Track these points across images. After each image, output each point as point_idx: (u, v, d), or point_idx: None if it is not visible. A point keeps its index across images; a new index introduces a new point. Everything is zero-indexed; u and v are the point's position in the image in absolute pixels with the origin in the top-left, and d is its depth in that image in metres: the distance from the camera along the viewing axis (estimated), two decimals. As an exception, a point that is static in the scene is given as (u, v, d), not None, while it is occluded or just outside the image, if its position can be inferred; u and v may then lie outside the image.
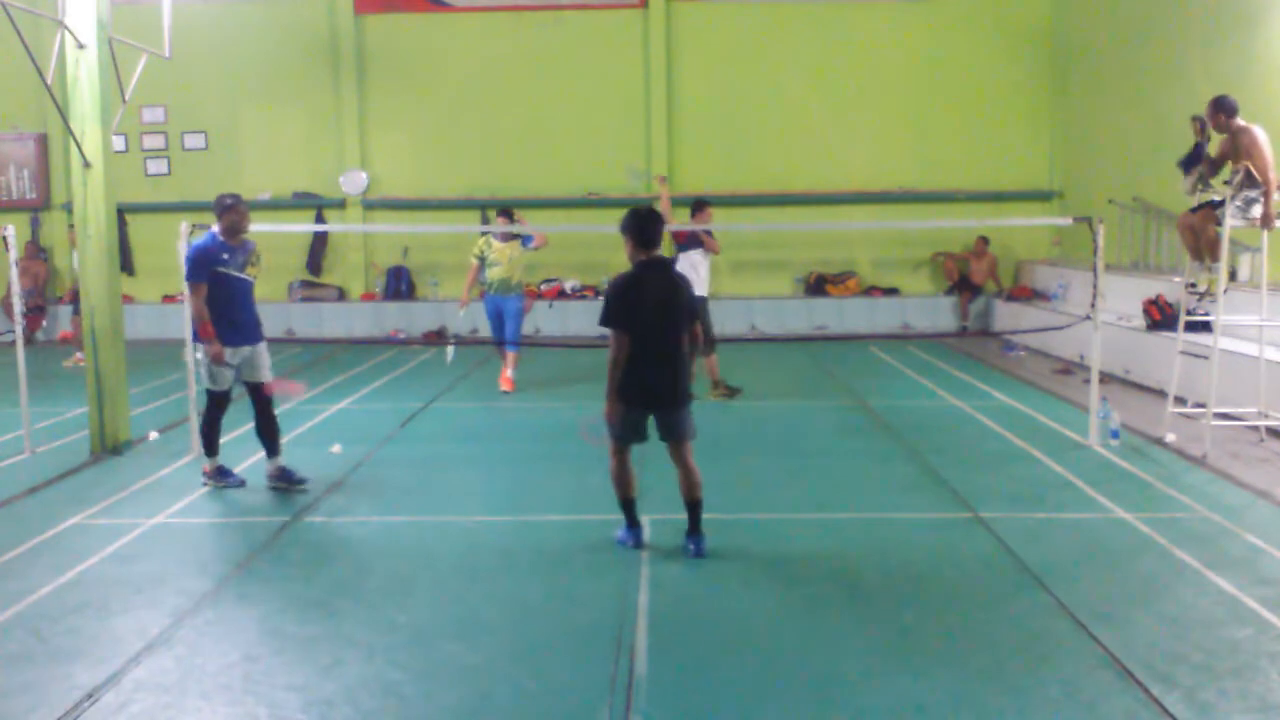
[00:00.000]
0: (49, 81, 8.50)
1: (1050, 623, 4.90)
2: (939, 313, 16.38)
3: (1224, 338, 8.42)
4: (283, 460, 7.44)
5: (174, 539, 6.33)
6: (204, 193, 16.67)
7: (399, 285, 16.91)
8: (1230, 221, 8.12)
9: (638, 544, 6.03)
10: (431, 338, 15.71)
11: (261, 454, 7.56)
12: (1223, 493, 7.01)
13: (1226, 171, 8.33)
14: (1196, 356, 8.49)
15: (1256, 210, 8.09)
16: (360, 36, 16.85)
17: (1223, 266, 8.20)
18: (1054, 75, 16.65)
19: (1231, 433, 8.44)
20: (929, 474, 7.64)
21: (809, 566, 5.77)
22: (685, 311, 5.85)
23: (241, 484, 7.39)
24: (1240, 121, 8.18)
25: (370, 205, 16.99)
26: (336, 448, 8.46)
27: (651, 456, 8.28)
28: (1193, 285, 8.64)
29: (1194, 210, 8.60)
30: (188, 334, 8.55)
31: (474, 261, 11.26)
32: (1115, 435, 8.37)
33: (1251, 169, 7.99)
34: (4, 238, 8.74)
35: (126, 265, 16.21)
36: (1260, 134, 8.09)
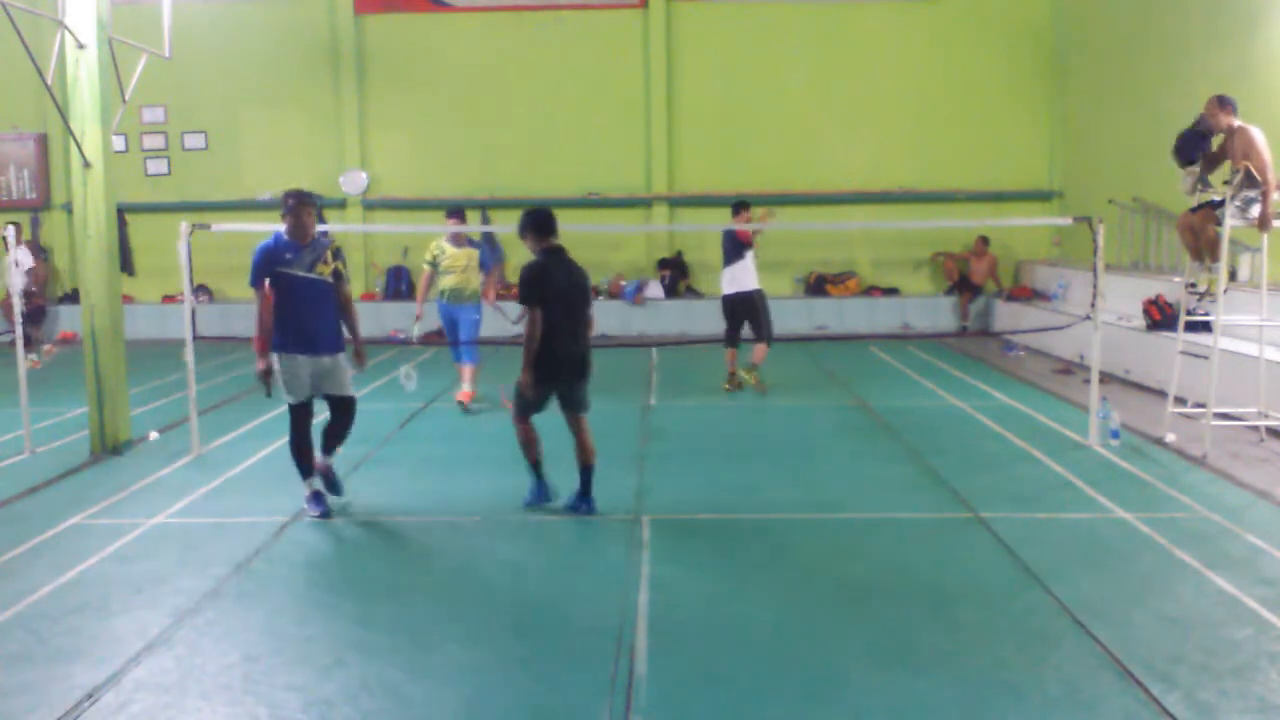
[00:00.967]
0: (49, 81, 8.50)
1: (1050, 623, 4.90)
2: (939, 313, 16.38)
3: (1224, 338, 8.42)
4: (333, 461, 6.90)
5: (174, 539, 6.33)
6: (204, 193, 16.81)
7: (399, 285, 16.91)
8: (1230, 221, 8.12)
9: (548, 499, 6.78)
10: (431, 338, 15.69)
11: (261, 457, 7.55)
12: (1223, 493, 7.01)
13: (1226, 171, 8.33)
14: (1196, 356, 8.49)
15: (1256, 210, 8.09)
16: (360, 36, 16.85)
17: (1223, 266, 8.20)
18: (1054, 75, 16.66)
19: (1231, 433, 8.44)
20: (929, 474, 7.64)
21: (809, 566, 5.77)
22: (584, 295, 6.73)
23: (325, 516, 6.63)
24: (1237, 121, 8.19)
25: (370, 205, 16.99)
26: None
27: (651, 457, 8.30)
28: (1193, 285, 8.64)
29: (1194, 210, 8.60)
30: (188, 335, 8.58)
31: (426, 268, 10.57)
32: (1115, 435, 8.37)
33: (1251, 169, 7.99)
34: (4, 238, 8.74)
35: (126, 265, 16.18)
36: (1257, 134, 8.09)
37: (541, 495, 6.81)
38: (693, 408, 10.49)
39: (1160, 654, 4.51)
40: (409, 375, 10.27)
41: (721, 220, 16.50)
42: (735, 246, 11.00)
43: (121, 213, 14.76)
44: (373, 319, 16.50)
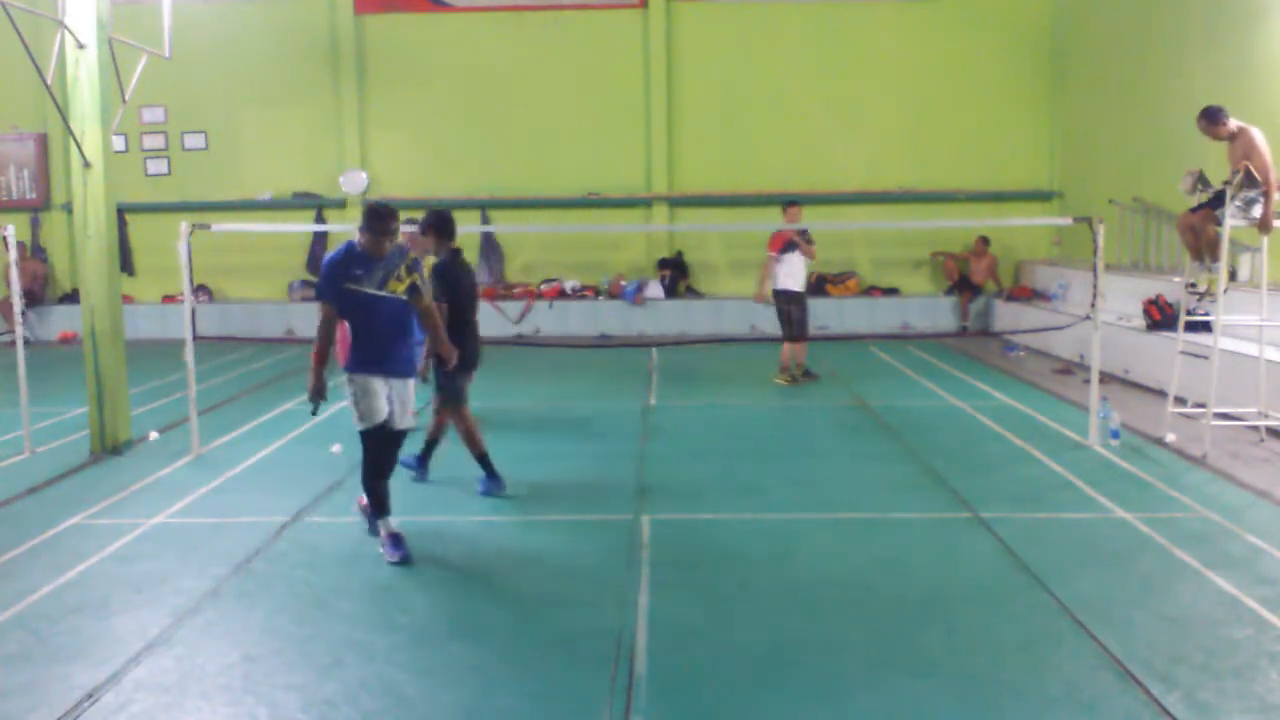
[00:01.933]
0: (49, 81, 8.51)
1: (1050, 623, 4.90)
2: (939, 313, 16.38)
3: (1224, 338, 8.42)
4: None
5: (174, 539, 6.32)
6: (204, 193, 16.80)
7: (399, 285, 16.88)
8: (1230, 221, 8.12)
9: (502, 488, 7.09)
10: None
11: (261, 457, 7.55)
12: (1223, 493, 7.01)
13: (1226, 171, 8.34)
14: (1196, 356, 8.49)
15: (1256, 210, 8.10)
16: (360, 36, 16.85)
17: (1223, 266, 8.20)
18: (1054, 75, 16.66)
19: (1231, 433, 8.44)
20: (929, 474, 7.64)
21: (809, 567, 5.77)
22: (476, 294, 7.37)
23: (406, 561, 5.82)
24: (1236, 124, 8.19)
25: (370, 205, 16.96)
26: (336, 447, 8.45)
27: (651, 457, 8.30)
28: (1193, 285, 8.64)
29: (1194, 210, 8.60)
30: (188, 335, 8.57)
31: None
32: (1115, 435, 8.37)
33: (1251, 169, 8.00)
34: (3, 238, 8.74)
35: (126, 265, 16.22)
36: (1258, 135, 8.10)
37: (495, 485, 7.14)
38: (693, 408, 10.49)
39: (1160, 654, 4.51)
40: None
41: (721, 220, 16.63)
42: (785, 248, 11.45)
43: (121, 213, 14.79)
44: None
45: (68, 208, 15.54)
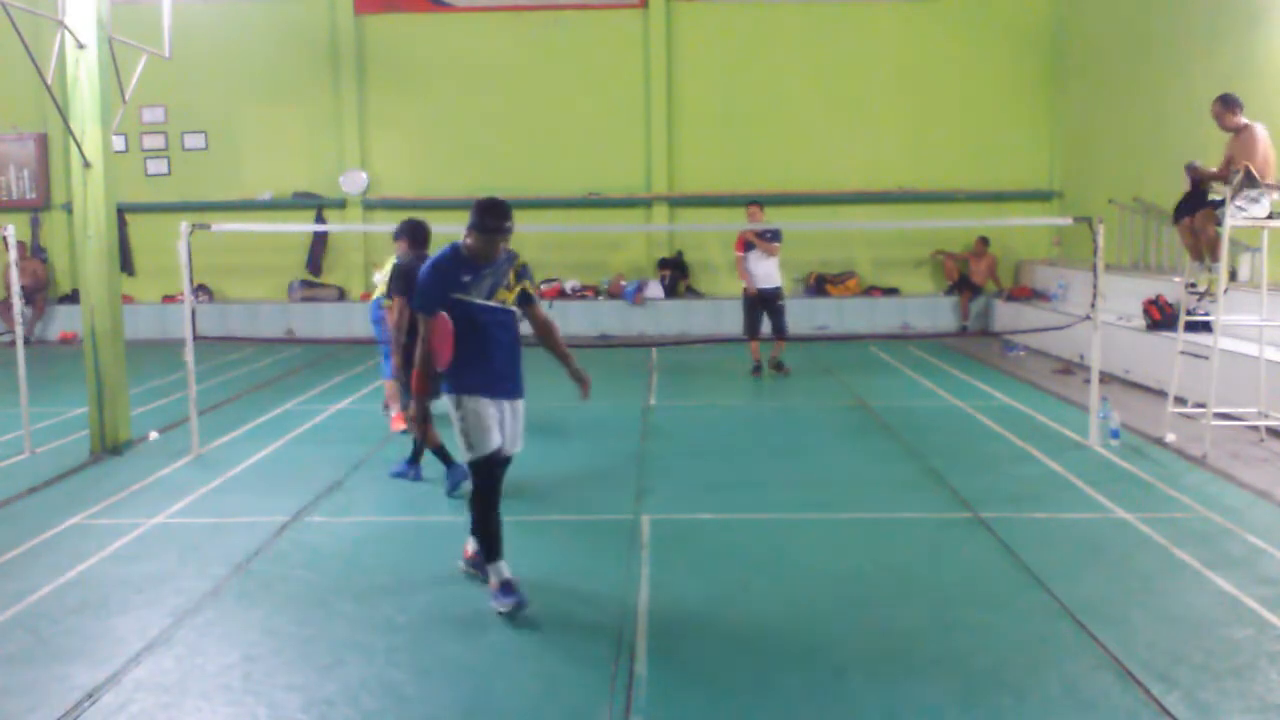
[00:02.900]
0: (49, 81, 8.51)
1: (1050, 623, 4.90)
2: (939, 313, 16.39)
3: (1224, 338, 8.42)
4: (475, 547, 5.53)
5: (174, 539, 6.32)
6: (204, 193, 16.81)
7: (399, 285, 16.89)
8: (1230, 221, 8.12)
9: (417, 479, 7.41)
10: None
11: (261, 457, 7.54)
12: (1223, 493, 7.01)
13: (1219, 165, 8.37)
14: (1196, 356, 8.49)
15: (1257, 210, 8.11)
16: (360, 36, 16.85)
17: (1223, 266, 8.20)
18: (1054, 75, 16.66)
19: (1231, 433, 8.44)
20: (929, 474, 7.64)
21: (809, 567, 5.77)
22: None
23: (521, 606, 5.11)
24: (1242, 120, 8.20)
25: (370, 205, 16.99)
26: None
27: (651, 457, 8.30)
28: (1193, 285, 8.65)
29: (1194, 210, 8.61)
30: (188, 335, 8.55)
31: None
32: (1115, 435, 8.37)
33: (1251, 169, 8.00)
34: (3, 238, 8.74)
35: (126, 265, 16.22)
36: (1261, 132, 8.11)
37: (415, 473, 7.47)
38: (693, 408, 10.49)
39: (1160, 654, 4.51)
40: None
41: (722, 220, 16.61)
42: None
43: (121, 213, 14.80)
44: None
45: (68, 208, 15.54)
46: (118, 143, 9.97)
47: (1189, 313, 8.70)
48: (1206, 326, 8.65)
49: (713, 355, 13.88)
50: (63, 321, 16.53)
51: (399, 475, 7.57)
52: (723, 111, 16.87)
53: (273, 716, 4.08)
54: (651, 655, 4.58)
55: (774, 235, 11.99)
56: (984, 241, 16.31)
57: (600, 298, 16.63)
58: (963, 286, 16.31)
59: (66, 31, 8.26)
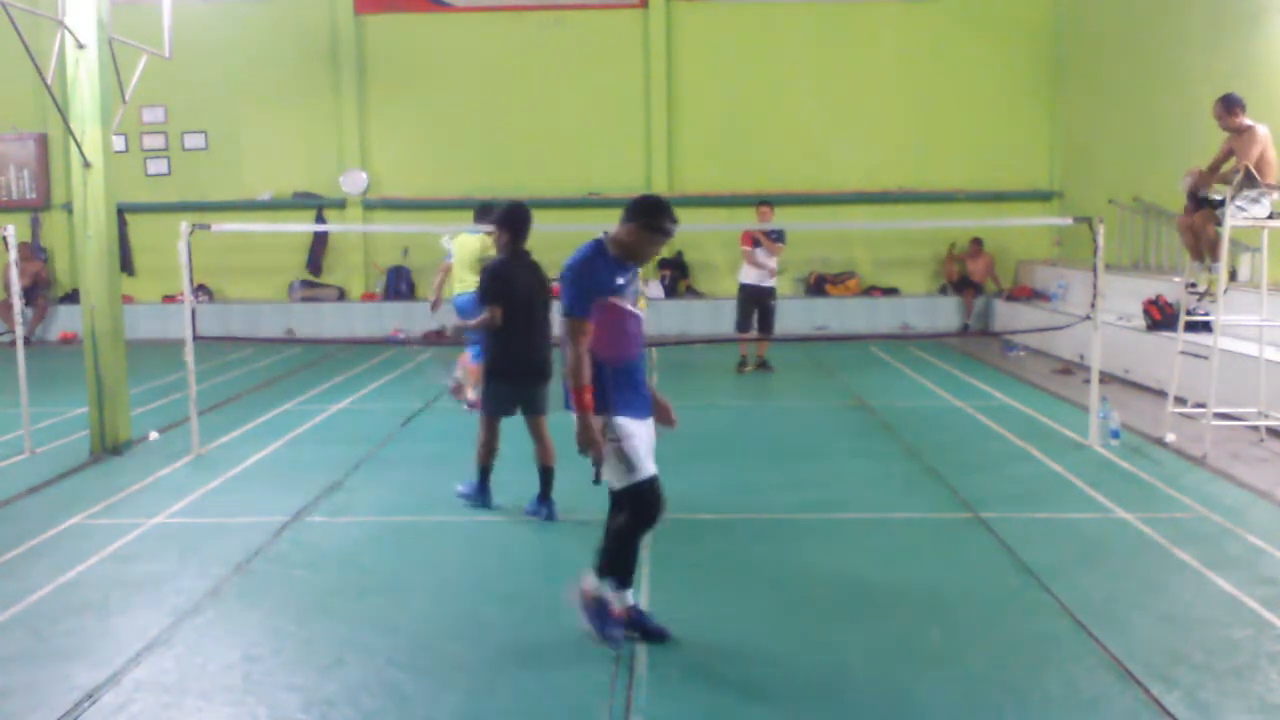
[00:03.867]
0: (49, 81, 8.50)
1: (1050, 623, 4.90)
2: (939, 313, 16.38)
3: (1224, 338, 8.42)
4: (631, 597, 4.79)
5: (174, 539, 6.32)
6: (204, 193, 16.81)
7: (399, 285, 16.92)
8: (1230, 221, 8.12)
9: (485, 505, 6.77)
10: (431, 338, 15.72)
11: (261, 457, 7.53)
12: (1223, 493, 7.01)
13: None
14: (1196, 356, 8.49)
15: (1257, 210, 8.10)
16: (360, 36, 16.85)
17: (1223, 266, 8.20)
18: (1054, 75, 16.65)
19: (1231, 433, 8.44)
20: (929, 474, 7.64)
21: (809, 567, 5.76)
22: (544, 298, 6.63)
23: (664, 636, 4.72)
24: (1247, 121, 8.20)
25: (370, 205, 16.99)
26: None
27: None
28: (1193, 285, 8.65)
29: (1194, 210, 8.61)
30: (188, 335, 8.56)
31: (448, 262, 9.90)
32: (1115, 435, 8.37)
33: (1251, 169, 8.01)
34: (3, 238, 8.74)
35: (126, 265, 16.22)
36: (1262, 133, 8.11)
37: (479, 498, 6.85)
38: (692, 408, 10.47)
39: (1160, 654, 4.51)
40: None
41: (722, 220, 16.60)
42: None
43: (121, 213, 14.79)
44: (373, 319, 16.53)
45: (68, 208, 15.53)
46: (118, 143, 9.97)
47: (1189, 313, 8.70)
48: (1206, 326, 8.65)
49: (713, 355, 13.87)
50: (63, 321, 16.53)
51: (531, 514, 6.66)
52: (723, 111, 16.87)
53: (273, 716, 4.08)
54: (651, 655, 4.57)
55: (778, 236, 12.32)
56: (977, 243, 16.32)
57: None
58: (963, 286, 16.31)
59: (66, 31, 8.26)
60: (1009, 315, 15.44)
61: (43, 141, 16.97)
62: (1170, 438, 8.39)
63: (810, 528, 6.48)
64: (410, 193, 16.92)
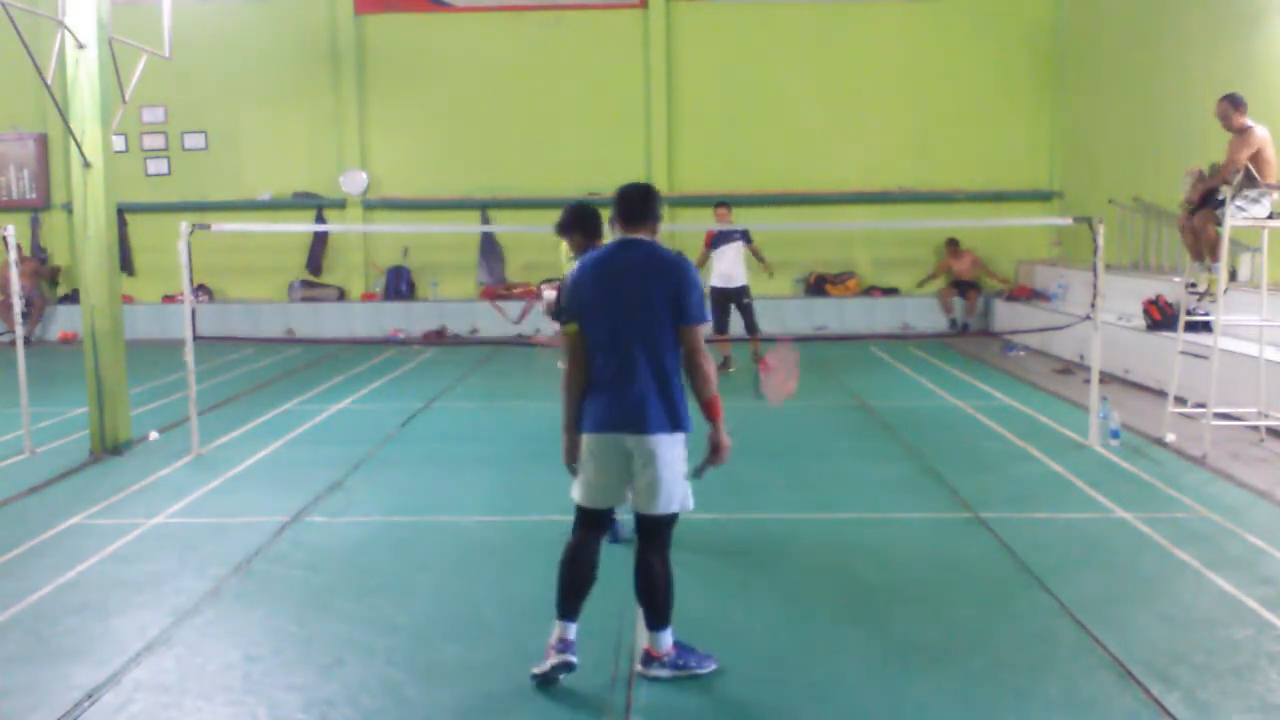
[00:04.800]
0: (49, 81, 8.50)
1: (1050, 623, 4.90)
2: (939, 313, 16.38)
3: (1224, 338, 8.42)
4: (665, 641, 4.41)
5: (174, 539, 6.32)
6: (204, 193, 16.81)
7: (399, 285, 16.92)
8: (1230, 221, 8.12)
9: (614, 539, 5.80)
10: (431, 338, 15.73)
11: (261, 457, 7.52)
12: (1223, 493, 7.01)
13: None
14: (1196, 356, 8.49)
15: (1257, 210, 8.11)
16: (360, 36, 16.85)
17: (1223, 266, 8.20)
18: (1054, 75, 16.65)
19: (1231, 433, 8.44)
20: (929, 474, 7.64)
21: (809, 567, 5.77)
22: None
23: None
24: (1249, 121, 8.20)
25: (370, 205, 16.99)
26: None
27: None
28: (1193, 285, 8.65)
29: (1194, 211, 8.61)
30: (188, 335, 8.56)
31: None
32: (1115, 435, 8.37)
33: (1251, 169, 8.01)
34: (3, 238, 8.74)
35: (126, 265, 16.22)
36: (1262, 133, 8.11)
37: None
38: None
39: (1160, 654, 4.51)
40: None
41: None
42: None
43: (121, 213, 14.78)
44: (373, 319, 16.53)
45: (68, 208, 15.53)
46: (118, 143, 9.97)
47: (1189, 313, 8.70)
48: (1206, 326, 8.65)
49: (712, 355, 13.85)
50: (63, 321, 16.53)
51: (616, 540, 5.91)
52: (723, 111, 16.86)
53: (273, 716, 4.08)
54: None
55: (743, 235, 12.25)
56: (953, 243, 16.30)
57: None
58: (964, 287, 16.28)
59: (66, 31, 8.26)
60: (1009, 315, 15.43)
61: (43, 141, 16.97)
62: (1170, 438, 8.39)
63: (810, 528, 6.48)
64: (410, 193, 16.92)
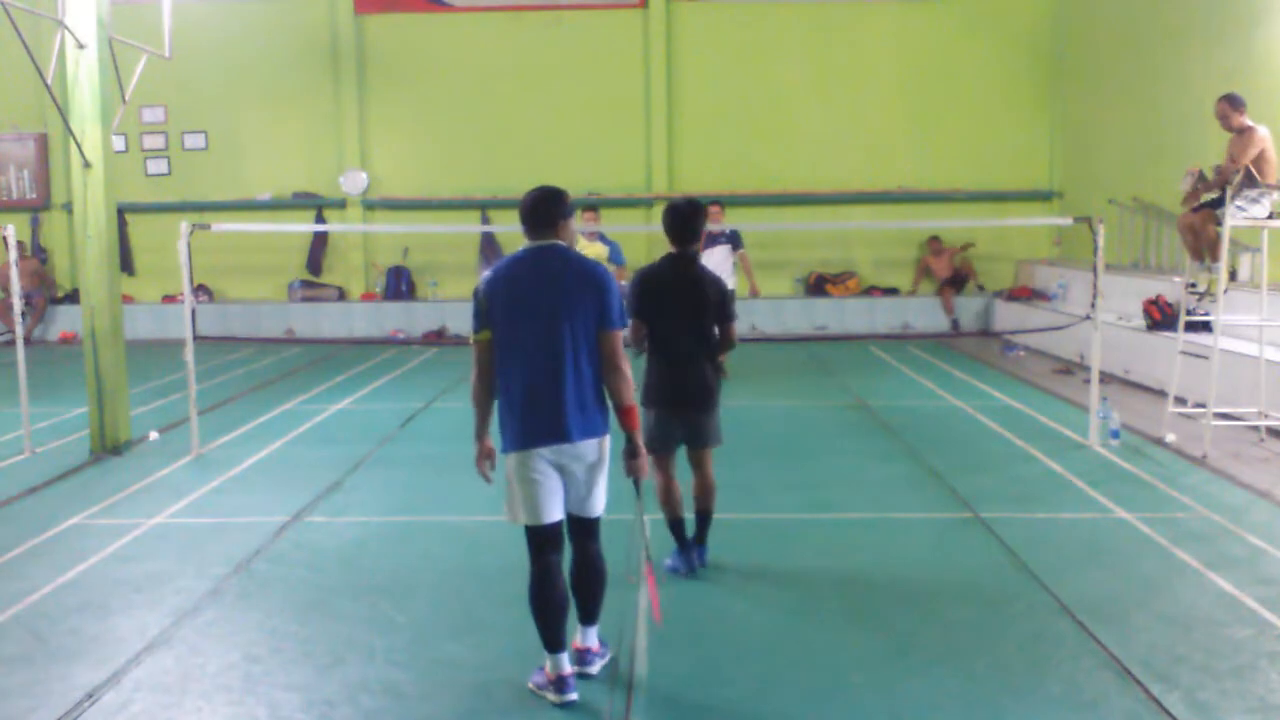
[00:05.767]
0: (49, 81, 8.50)
1: (1050, 623, 4.90)
2: (938, 313, 16.38)
3: (1224, 338, 8.42)
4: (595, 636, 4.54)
5: (174, 539, 6.33)
6: (204, 193, 16.81)
7: (399, 285, 16.92)
8: (1230, 221, 8.12)
9: (690, 569, 5.56)
10: (431, 338, 15.73)
11: (261, 457, 7.53)
12: (1223, 493, 7.01)
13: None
14: (1196, 356, 8.49)
15: (1257, 210, 8.11)
16: (360, 36, 16.85)
17: (1223, 266, 8.20)
18: (1054, 75, 16.65)
19: (1231, 433, 8.44)
20: (929, 474, 7.64)
21: (809, 567, 5.76)
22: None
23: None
24: (1248, 121, 8.20)
25: (370, 205, 16.99)
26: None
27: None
28: (1193, 285, 8.65)
29: (1194, 210, 8.61)
30: (188, 335, 8.55)
31: None
32: (1115, 435, 8.37)
33: (1252, 169, 8.01)
34: (3, 238, 8.74)
35: (126, 265, 16.21)
36: (1262, 133, 8.11)
37: (681, 563, 5.59)
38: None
39: (1160, 654, 4.51)
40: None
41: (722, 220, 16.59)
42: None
43: (121, 213, 14.79)
44: (373, 319, 16.53)
45: (68, 208, 15.54)
46: (118, 143, 9.97)
47: (1189, 313, 8.70)
48: (1206, 326, 8.65)
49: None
50: (63, 321, 16.53)
51: (675, 569, 5.64)
52: (723, 111, 16.86)
53: (273, 716, 4.08)
54: (651, 656, 4.58)
55: (732, 238, 11.73)
56: (936, 240, 16.33)
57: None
58: (957, 283, 16.29)
59: (66, 31, 8.26)
60: (1009, 315, 15.43)
61: (43, 141, 16.96)
62: (1170, 438, 8.39)
63: (810, 528, 6.48)
64: (410, 193, 16.92)
